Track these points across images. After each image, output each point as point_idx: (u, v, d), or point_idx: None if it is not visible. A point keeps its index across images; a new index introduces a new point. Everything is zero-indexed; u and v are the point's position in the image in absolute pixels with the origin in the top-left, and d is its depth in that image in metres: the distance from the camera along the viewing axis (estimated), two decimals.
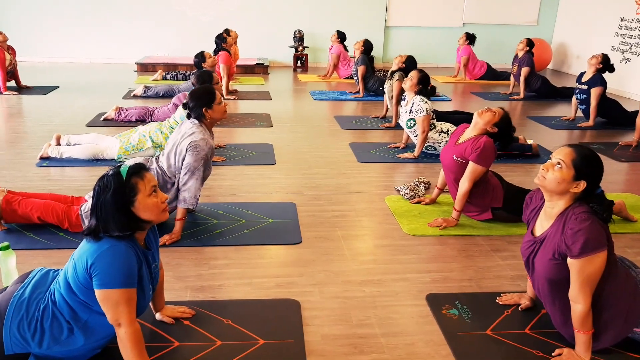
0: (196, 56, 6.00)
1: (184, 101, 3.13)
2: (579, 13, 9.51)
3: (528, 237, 2.20)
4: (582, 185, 1.98)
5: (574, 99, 6.17)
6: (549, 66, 10.14)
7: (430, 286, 2.64)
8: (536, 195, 2.27)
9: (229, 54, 7.10)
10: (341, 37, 8.45)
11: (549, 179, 2.02)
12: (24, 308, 1.88)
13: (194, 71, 5.84)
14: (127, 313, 1.82)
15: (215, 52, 7.01)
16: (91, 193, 2.98)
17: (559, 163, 2.01)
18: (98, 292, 1.81)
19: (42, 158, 4.32)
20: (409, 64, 5.55)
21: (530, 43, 7.49)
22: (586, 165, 1.98)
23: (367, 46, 7.19)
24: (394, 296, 2.55)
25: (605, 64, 5.81)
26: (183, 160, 2.98)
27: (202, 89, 3.19)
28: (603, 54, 5.88)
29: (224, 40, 7.20)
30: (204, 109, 3.04)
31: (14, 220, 3.03)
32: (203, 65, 5.89)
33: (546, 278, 2.07)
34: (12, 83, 7.10)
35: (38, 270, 2.06)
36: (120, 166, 1.89)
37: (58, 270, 2.05)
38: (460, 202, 3.24)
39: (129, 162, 1.99)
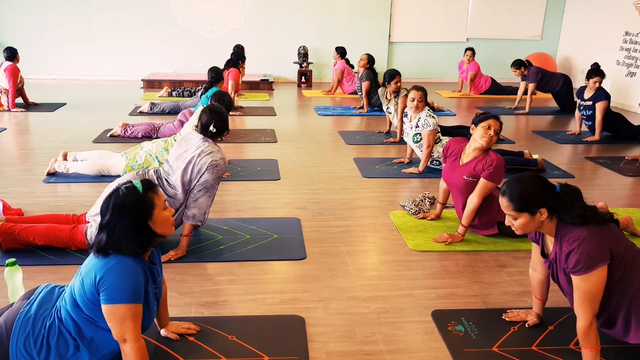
0: (212, 70, 5.81)
1: (207, 117, 3.06)
2: (583, 27, 9.55)
3: (544, 256, 2.22)
4: (544, 212, 1.99)
5: (577, 113, 6.17)
6: None
7: (436, 302, 2.63)
8: None
9: (239, 72, 7.13)
10: (341, 52, 8.49)
11: (519, 229, 2.05)
12: (30, 325, 1.89)
13: (200, 87, 5.82)
14: (133, 329, 1.83)
15: (226, 66, 7.03)
16: (91, 212, 3.00)
17: (513, 218, 2.03)
18: (105, 307, 1.82)
19: (49, 174, 4.35)
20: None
21: (524, 63, 7.64)
22: (529, 200, 1.99)
23: (370, 60, 7.25)
24: (399, 312, 2.54)
25: (602, 77, 5.93)
26: (200, 176, 2.96)
27: (226, 114, 3.20)
28: (599, 74, 5.92)
29: (242, 58, 7.18)
30: (225, 133, 3.15)
31: (15, 247, 2.98)
32: (217, 85, 5.75)
33: (570, 294, 2.09)
34: (20, 100, 7.18)
35: (44, 287, 2.07)
36: (131, 183, 1.91)
37: (64, 286, 2.06)
38: (469, 217, 3.23)
39: (124, 179, 1.99)
